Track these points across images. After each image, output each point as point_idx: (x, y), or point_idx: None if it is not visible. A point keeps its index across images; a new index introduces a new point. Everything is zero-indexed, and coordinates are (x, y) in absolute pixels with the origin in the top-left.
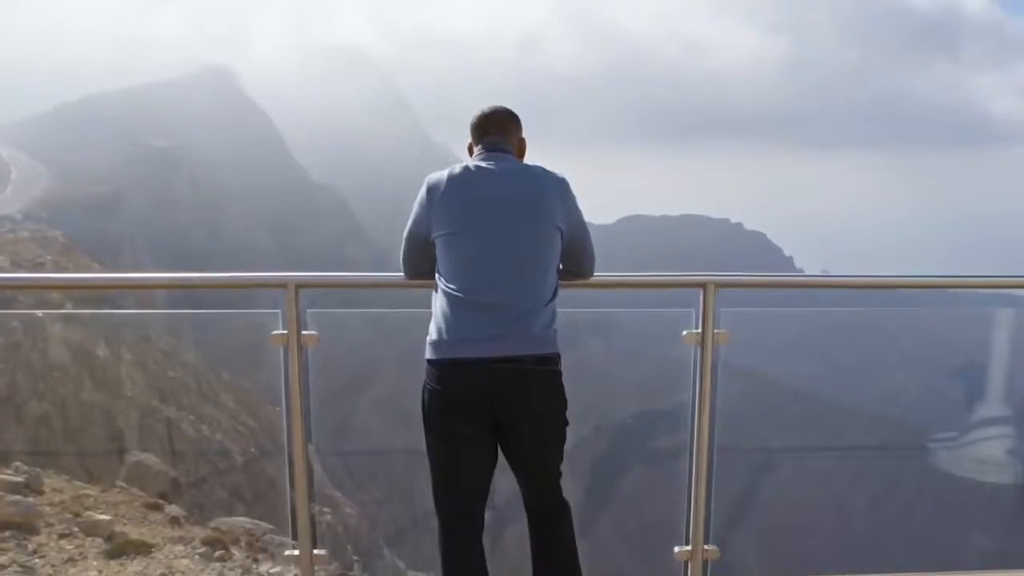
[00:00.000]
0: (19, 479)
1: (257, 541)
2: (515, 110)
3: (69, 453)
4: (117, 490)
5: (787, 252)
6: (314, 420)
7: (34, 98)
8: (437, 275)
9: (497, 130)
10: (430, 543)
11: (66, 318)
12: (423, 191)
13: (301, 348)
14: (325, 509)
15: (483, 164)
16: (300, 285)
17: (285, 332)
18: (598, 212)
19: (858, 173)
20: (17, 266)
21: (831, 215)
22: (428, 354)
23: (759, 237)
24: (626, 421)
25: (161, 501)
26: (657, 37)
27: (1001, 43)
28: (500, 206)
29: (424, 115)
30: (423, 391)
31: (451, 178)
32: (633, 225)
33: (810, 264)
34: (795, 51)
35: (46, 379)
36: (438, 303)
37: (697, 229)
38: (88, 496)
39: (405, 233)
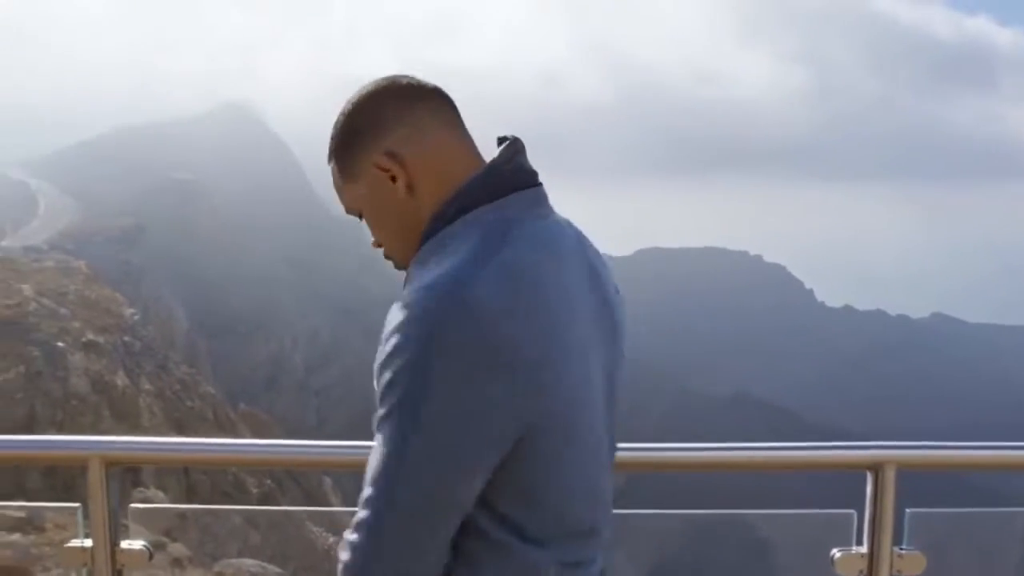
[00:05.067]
0: (20, 515)
1: None
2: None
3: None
4: None
5: (807, 285)
6: None
7: (60, 132)
8: (486, 522)
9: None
10: None
11: (86, 346)
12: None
13: (117, 573)
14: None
15: (542, 242)
16: (112, 463)
17: (85, 545)
18: (615, 243)
19: (880, 205)
20: (40, 295)
21: (852, 247)
22: None
23: (779, 270)
24: None
25: (164, 539)
26: (676, 68)
27: None
28: (586, 344)
29: None
30: None
31: (538, 283)
32: (650, 257)
33: (831, 297)
34: (817, 81)
35: (65, 408)
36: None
37: (716, 261)
38: None
39: (406, 491)
